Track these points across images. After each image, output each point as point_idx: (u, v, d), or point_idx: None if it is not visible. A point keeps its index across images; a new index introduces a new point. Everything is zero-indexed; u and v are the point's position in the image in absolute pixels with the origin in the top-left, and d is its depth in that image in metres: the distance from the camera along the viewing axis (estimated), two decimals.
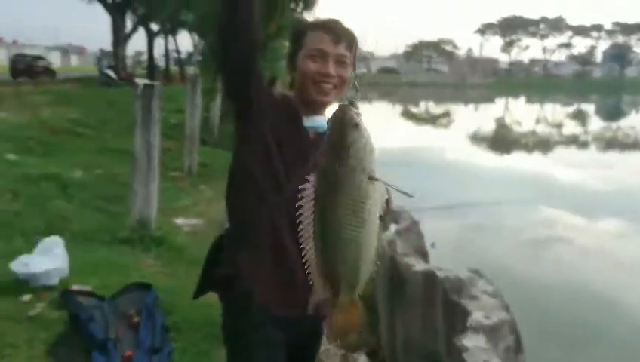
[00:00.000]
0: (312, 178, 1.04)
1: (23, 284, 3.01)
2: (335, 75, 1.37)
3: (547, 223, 7.49)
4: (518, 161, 14.03)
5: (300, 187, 1.06)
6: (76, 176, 5.89)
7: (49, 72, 28.35)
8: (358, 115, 0.99)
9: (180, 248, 4.20)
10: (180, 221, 5.18)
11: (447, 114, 29.59)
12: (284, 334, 1.39)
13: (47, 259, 3.15)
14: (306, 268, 1.18)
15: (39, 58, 29.69)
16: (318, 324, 1.51)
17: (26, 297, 2.91)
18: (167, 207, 5.47)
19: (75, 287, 3.07)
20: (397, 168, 6.48)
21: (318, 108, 1.43)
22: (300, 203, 1.03)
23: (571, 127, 23.91)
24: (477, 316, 2.19)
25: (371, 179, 0.98)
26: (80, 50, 67.93)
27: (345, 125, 0.97)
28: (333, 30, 1.38)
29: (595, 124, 26.44)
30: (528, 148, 17.25)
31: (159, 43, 37.27)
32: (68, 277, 3.21)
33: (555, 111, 34.78)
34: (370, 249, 1.02)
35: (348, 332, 1.13)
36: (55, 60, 46.94)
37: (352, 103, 1.00)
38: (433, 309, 2.67)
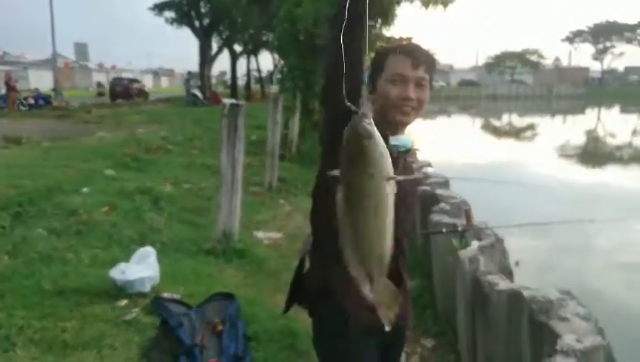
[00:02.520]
0: None
1: (120, 290, 3.25)
2: (415, 98, 1.43)
3: None
4: (612, 175, 13.04)
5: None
6: (166, 190, 6.26)
7: (143, 93, 30.66)
8: (371, 124, 1.06)
9: (260, 260, 4.34)
10: (260, 234, 5.35)
11: (531, 126, 28.18)
12: (376, 342, 1.50)
13: (142, 267, 3.39)
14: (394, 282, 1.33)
15: (134, 81, 32.19)
16: (402, 329, 1.63)
17: (123, 302, 3.14)
18: (248, 221, 5.68)
19: (165, 295, 3.28)
20: (478, 184, 6.29)
21: (398, 127, 1.50)
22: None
23: None
24: (568, 339, 2.06)
25: (389, 180, 1.09)
26: (170, 73, 72.59)
27: (361, 138, 1.05)
28: (413, 54, 1.44)
29: None
30: (623, 161, 15.99)
31: (241, 62, 39.03)
32: (159, 284, 3.42)
33: None
34: (389, 236, 1.14)
35: (393, 311, 1.25)
36: (148, 83, 50.54)
37: (364, 115, 1.07)
38: (518, 330, 2.55)
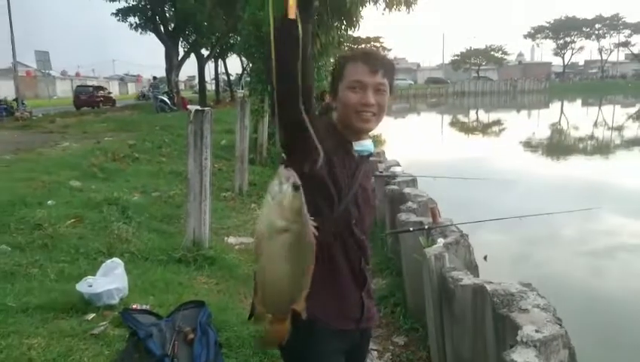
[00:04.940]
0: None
1: (87, 304, 3.21)
2: (375, 104, 1.46)
3: (608, 232, 7.13)
4: (576, 167, 13.45)
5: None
6: (134, 199, 6.18)
7: (110, 100, 30.13)
8: (294, 176, 1.13)
9: (232, 266, 4.34)
10: (231, 239, 5.34)
11: (498, 122, 28.80)
12: (342, 344, 1.53)
13: (109, 279, 3.35)
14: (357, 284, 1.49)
15: (100, 88, 31.58)
16: (367, 333, 1.66)
17: (90, 316, 3.11)
18: (219, 226, 5.66)
19: (134, 306, 3.25)
20: (446, 180, 6.39)
21: (360, 134, 1.53)
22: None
23: (634, 129, 22.68)
24: (527, 330, 2.14)
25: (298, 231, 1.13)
26: (136, 79, 71.38)
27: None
28: (370, 61, 1.47)
29: None
30: (586, 153, 16.50)
31: (210, 66, 38.74)
32: (128, 296, 3.39)
33: (615, 113, 33.10)
34: (293, 281, 1.18)
35: (275, 343, 1.32)
36: (114, 89, 49.63)
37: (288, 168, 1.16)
38: (483, 323, 2.63)
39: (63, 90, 46.82)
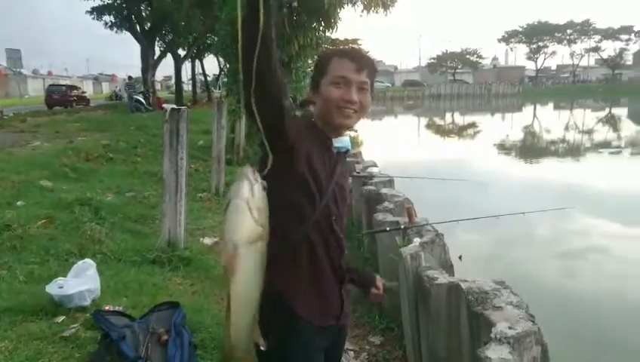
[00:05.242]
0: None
1: (58, 306, 3.12)
2: (357, 101, 1.46)
3: (580, 232, 7.30)
4: (548, 169, 13.74)
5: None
6: (108, 199, 6.06)
7: (83, 99, 29.52)
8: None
9: (207, 267, 4.28)
10: (207, 240, 5.27)
11: (473, 125, 29.23)
12: (324, 341, 1.54)
13: (81, 280, 3.27)
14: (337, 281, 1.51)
15: (73, 87, 30.92)
16: (344, 330, 1.67)
17: (61, 318, 3.02)
18: (194, 227, 5.59)
19: (107, 308, 3.18)
20: (423, 181, 6.45)
21: (340, 130, 1.53)
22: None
23: (603, 132, 23.29)
24: (501, 326, 2.17)
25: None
26: (111, 79, 70.13)
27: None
28: (357, 59, 1.47)
29: (628, 128, 25.66)
30: (558, 155, 16.87)
31: (188, 67, 38.33)
32: (100, 297, 3.31)
33: (586, 116, 33.94)
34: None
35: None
36: (88, 89, 48.67)
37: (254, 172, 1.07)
38: (458, 322, 2.65)
39: (35, 89, 45.68)
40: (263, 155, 1.44)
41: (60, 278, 3.28)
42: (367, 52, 1.64)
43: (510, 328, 2.16)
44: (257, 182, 1.01)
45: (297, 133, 1.39)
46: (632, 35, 73.00)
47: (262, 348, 1.20)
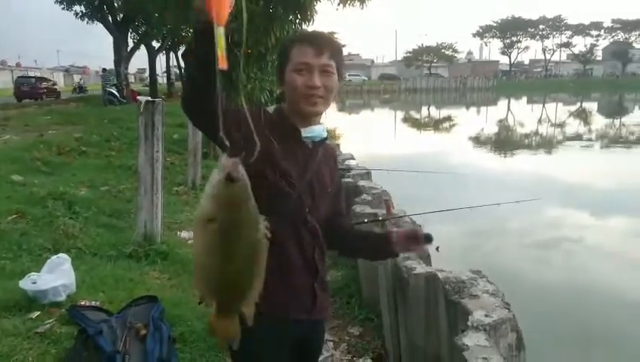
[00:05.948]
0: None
1: (32, 301, 3.06)
2: (321, 86, 1.41)
3: (553, 223, 7.48)
4: (522, 161, 14.01)
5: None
6: (82, 193, 5.95)
7: (54, 92, 28.79)
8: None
9: (185, 261, 4.25)
10: (184, 234, 5.23)
11: (449, 118, 29.58)
12: (291, 334, 1.50)
13: (55, 276, 3.21)
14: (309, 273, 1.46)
15: (43, 79, 30.11)
16: (320, 324, 1.64)
17: (35, 314, 2.97)
18: (171, 221, 5.54)
19: (83, 303, 3.13)
20: (399, 174, 6.50)
21: (310, 118, 1.48)
22: None
23: (574, 126, 23.84)
24: (477, 315, 2.21)
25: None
26: (82, 70, 68.52)
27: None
28: (316, 42, 1.42)
29: (599, 121, 26.34)
30: (532, 148, 17.22)
31: (162, 59, 37.72)
32: (75, 293, 3.26)
33: (558, 110, 34.68)
34: (228, 276, 1.12)
35: (221, 340, 1.27)
36: (59, 81, 47.46)
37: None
38: (436, 311, 2.69)
39: (3, 81, 44.44)
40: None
41: (33, 273, 3.21)
42: (331, 34, 1.57)
43: (486, 316, 2.20)
44: (222, 172, 1.03)
45: (246, 133, 1.24)
46: (602, 31, 74.96)
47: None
